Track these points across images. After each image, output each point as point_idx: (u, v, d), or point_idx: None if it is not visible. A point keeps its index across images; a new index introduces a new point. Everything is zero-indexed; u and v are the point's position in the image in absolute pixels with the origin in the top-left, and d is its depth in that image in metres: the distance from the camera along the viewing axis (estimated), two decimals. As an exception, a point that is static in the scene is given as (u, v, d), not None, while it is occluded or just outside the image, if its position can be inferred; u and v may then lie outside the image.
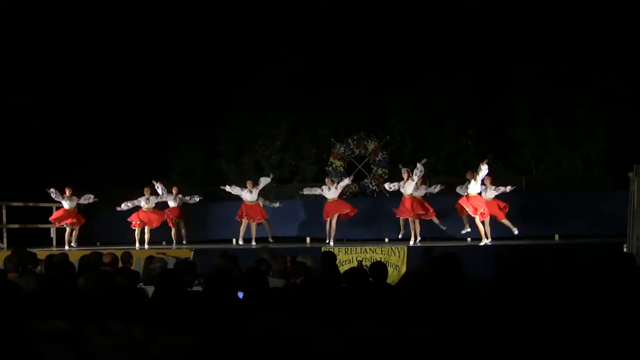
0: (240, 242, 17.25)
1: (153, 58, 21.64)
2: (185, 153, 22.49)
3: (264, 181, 17.64)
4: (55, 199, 17.74)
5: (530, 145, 19.73)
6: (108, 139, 21.42)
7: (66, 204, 17.67)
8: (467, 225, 15.85)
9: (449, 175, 19.67)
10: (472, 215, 15.02)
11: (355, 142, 20.37)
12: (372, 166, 20.31)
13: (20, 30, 20.07)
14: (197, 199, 18.55)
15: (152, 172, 20.71)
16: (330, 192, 16.80)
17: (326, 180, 17.27)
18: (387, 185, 16.88)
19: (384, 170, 20.03)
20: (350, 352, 3.62)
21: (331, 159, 20.60)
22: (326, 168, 20.69)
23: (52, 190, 17.56)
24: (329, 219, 16.62)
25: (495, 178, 15.81)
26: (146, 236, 17.79)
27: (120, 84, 21.55)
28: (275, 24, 20.77)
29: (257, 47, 21.33)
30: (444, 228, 16.26)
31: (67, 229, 17.87)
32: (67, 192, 17.66)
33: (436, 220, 16.17)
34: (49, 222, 18.72)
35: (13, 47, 20.12)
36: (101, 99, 21.64)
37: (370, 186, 20.09)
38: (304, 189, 17.78)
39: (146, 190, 17.90)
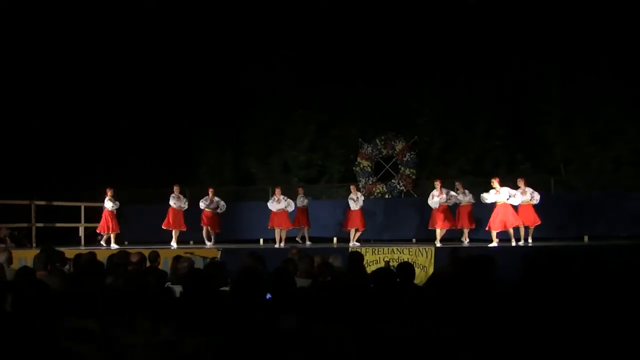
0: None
1: (181, 59, 21.80)
2: (213, 153, 22.57)
3: None
4: (108, 205, 17.64)
5: (560, 145, 19.55)
6: (137, 139, 21.59)
7: (109, 206, 17.67)
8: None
9: (478, 176, 19.54)
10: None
11: (382, 142, 20.25)
12: (399, 166, 20.19)
13: (58, 33, 20.34)
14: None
15: (181, 171, 20.84)
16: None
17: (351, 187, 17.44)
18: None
19: (411, 170, 19.88)
20: (374, 351, 3.61)
21: (358, 159, 20.50)
22: (354, 168, 20.63)
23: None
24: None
25: (525, 179, 15.71)
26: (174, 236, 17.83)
27: (148, 85, 21.72)
28: (304, 24, 20.81)
29: (284, 47, 21.40)
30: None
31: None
32: (109, 193, 17.62)
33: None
34: (78, 221, 18.86)
35: (49, 49, 20.41)
36: (129, 100, 21.83)
37: (398, 187, 19.97)
38: None
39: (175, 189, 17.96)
